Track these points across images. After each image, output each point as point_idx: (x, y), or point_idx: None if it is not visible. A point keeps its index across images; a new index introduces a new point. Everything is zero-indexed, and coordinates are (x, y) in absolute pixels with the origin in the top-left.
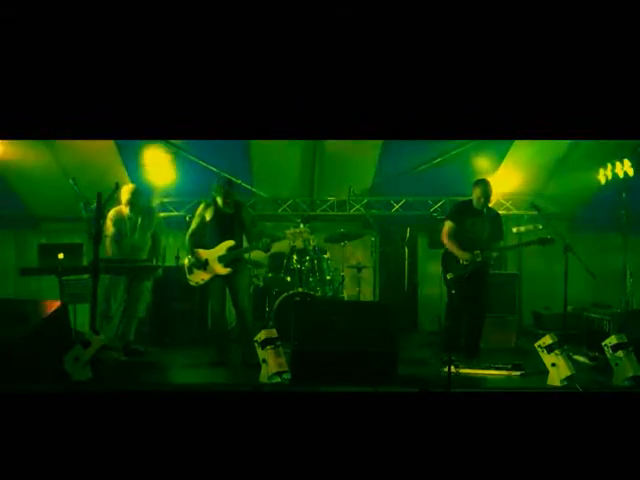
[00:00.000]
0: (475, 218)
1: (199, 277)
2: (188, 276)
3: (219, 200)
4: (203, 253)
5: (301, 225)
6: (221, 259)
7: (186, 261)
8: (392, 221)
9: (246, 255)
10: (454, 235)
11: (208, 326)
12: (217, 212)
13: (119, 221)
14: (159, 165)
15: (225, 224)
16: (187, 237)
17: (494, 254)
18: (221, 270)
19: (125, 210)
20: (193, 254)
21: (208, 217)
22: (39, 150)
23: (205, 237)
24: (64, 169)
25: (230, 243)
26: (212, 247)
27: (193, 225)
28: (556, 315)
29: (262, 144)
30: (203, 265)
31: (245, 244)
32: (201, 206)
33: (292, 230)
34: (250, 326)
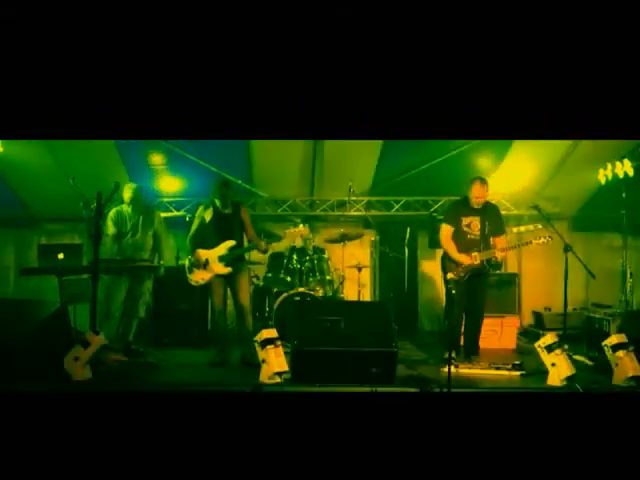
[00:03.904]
0: (472, 217)
1: (199, 277)
2: (188, 276)
3: (217, 201)
4: (203, 253)
5: (300, 224)
6: (221, 259)
7: (186, 261)
8: (392, 221)
9: (246, 255)
10: (451, 238)
11: (208, 326)
12: (216, 213)
13: (120, 220)
14: (159, 165)
15: (224, 225)
16: (188, 239)
17: (498, 255)
18: (221, 270)
19: (126, 209)
20: (193, 254)
21: (208, 218)
22: (39, 150)
23: (206, 238)
24: (64, 169)
25: (231, 243)
26: (213, 248)
27: (193, 227)
28: (556, 315)
29: (262, 144)
30: (203, 265)
31: (246, 244)
32: (200, 208)
33: (291, 230)
34: (250, 326)
